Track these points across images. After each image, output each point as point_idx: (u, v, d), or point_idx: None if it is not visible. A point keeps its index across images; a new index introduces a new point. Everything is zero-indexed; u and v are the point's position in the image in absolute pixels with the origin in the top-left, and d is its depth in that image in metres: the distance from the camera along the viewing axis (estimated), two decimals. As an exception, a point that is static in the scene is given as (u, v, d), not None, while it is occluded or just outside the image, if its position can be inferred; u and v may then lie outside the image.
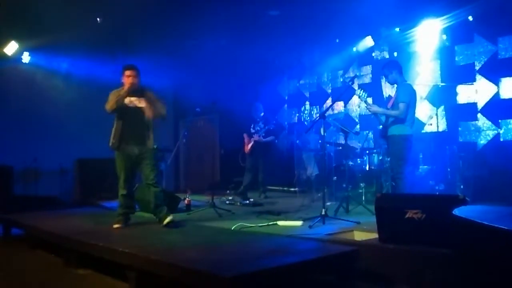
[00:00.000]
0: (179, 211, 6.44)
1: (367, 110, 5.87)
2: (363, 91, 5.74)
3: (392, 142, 5.53)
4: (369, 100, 6.21)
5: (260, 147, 8.13)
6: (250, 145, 8.11)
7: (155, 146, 5.26)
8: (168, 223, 5.04)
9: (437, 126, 7.42)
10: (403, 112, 5.39)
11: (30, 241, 5.68)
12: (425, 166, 7.63)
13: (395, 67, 5.70)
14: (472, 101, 7.50)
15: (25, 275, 4.45)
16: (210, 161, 10.20)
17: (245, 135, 8.30)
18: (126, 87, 5.19)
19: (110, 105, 5.15)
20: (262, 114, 8.25)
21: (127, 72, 5.25)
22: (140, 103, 5.21)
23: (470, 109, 7.50)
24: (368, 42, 8.79)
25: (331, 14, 8.25)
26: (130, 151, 5.16)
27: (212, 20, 8.46)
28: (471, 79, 7.47)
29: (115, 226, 5.15)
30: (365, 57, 9.11)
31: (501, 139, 7.19)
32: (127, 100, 5.18)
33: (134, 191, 5.57)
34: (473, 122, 7.48)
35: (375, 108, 5.70)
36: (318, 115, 9.08)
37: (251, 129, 8.22)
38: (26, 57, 9.32)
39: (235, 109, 9.18)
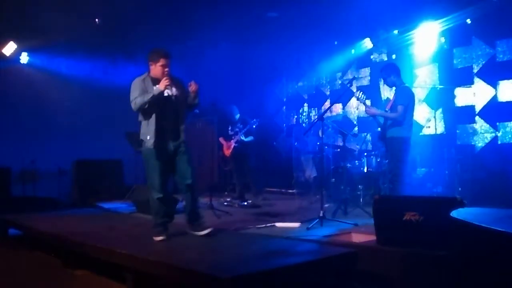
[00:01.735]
0: (177, 212, 6.42)
1: (366, 112, 5.89)
2: (362, 93, 5.76)
3: (390, 144, 5.55)
4: (368, 102, 6.22)
5: (243, 148, 7.85)
6: (231, 148, 7.85)
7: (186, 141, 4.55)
8: (208, 233, 4.46)
9: (435, 129, 7.43)
10: (401, 114, 5.41)
11: (28, 242, 5.68)
12: (423, 169, 7.66)
13: (394, 70, 5.72)
14: (470, 104, 7.51)
15: (23, 276, 4.44)
16: (209, 163, 10.19)
17: (221, 139, 8.05)
18: (162, 84, 4.33)
19: (138, 104, 4.37)
20: (238, 116, 7.96)
21: (163, 61, 4.38)
22: (172, 90, 4.45)
23: (468, 112, 7.51)
24: (366, 44, 8.81)
25: (329, 16, 8.27)
26: (166, 148, 4.47)
27: (211, 22, 8.47)
28: (469, 82, 7.49)
29: (158, 238, 4.37)
30: (364, 59, 9.13)
31: (499, 142, 7.20)
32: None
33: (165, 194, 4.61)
34: (471, 125, 7.50)
35: (374, 110, 5.73)
36: (316, 117, 9.10)
37: (229, 131, 7.96)
38: (24, 58, 9.31)
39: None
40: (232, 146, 7.80)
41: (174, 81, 4.50)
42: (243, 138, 7.74)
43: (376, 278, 3.75)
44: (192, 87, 4.52)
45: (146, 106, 4.37)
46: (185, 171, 4.49)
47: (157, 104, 4.39)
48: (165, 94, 4.42)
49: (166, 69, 4.40)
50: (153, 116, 4.41)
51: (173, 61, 4.59)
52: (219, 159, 8.44)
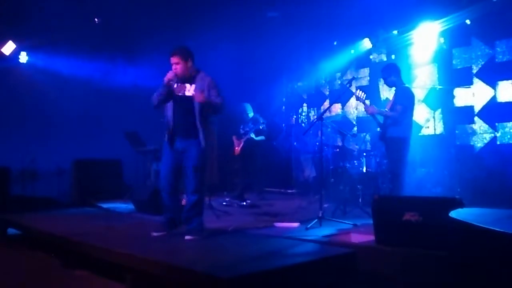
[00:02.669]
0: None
1: (365, 111, 5.88)
2: (363, 93, 5.76)
3: (390, 144, 5.55)
4: (367, 102, 6.22)
5: (250, 147, 7.83)
6: (240, 146, 7.86)
7: (205, 141, 4.51)
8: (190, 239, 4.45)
9: (434, 129, 7.44)
10: (400, 113, 5.42)
11: (28, 242, 5.67)
12: (423, 169, 7.67)
13: (394, 70, 5.73)
14: (469, 104, 7.52)
15: (22, 276, 4.44)
16: (208, 163, 10.20)
17: (234, 137, 8.03)
18: (165, 80, 4.48)
19: (152, 99, 4.60)
20: (251, 114, 7.97)
21: (171, 60, 4.54)
22: (190, 91, 4.52)
23: (467, 112, 7.52)
24: (366, 44, 8.81)
25: (329, 16, 8.27)
26: (175, 146, 4.56)
27: (212, 23, 8.47)
28: (468, 82, 7.50)
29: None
30: (363, 60, 9.13)
31: (498, 142, 7.21)
32: (176, 88, 4.54)
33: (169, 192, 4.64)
34: (470, 125, 7.51)
35: (372, 109, 5.72)
36: (315, 117, 9.10)
37: (240, 130, 7.94)
38: (23, 57, 9.30)
39: (233, 111, 9.17)
40: (241, 145, 7.80)
41: (194, 79, 4.58)
42: (253, 136, 7.72)
43: (375, 278, 3.76)
44: (196, 98, 4.50)
45: (156, 102, 4.58)
46: (187, 176, 4.52)
47: (172, 101, 4.56)
48: (177, 92, 4.54)
49: (173, 66, 4.52)
50: (168, 112, 4.59)
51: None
52: (229, 157, 8.39)
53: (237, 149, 7.86)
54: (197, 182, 4.49)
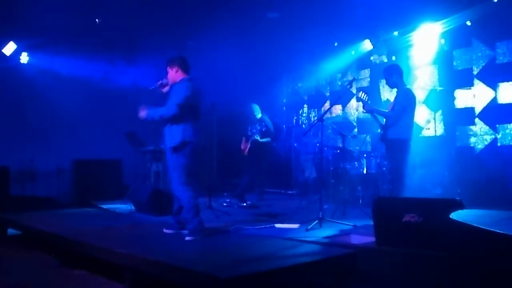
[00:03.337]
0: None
1: (363, 108, 5.85)
2: (365, 94, 5.73)
3: (390, 145, 5.54)
4: (365, 98, 6.17)
5: (256, 148, 7.80)
6: (247, 147, 7.91)
7: (174, 144, 4.54)
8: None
9: (435, 130, 7.43)
10: (397, 113, 5.41)
11: (27, 242, 5.67)
12: (423, 170, 7.65)
13: (396, 71, 5.71)
14: (469, 106, 7.52)
15: (21, 275, 4.43)
16: (208, 163, 10.20)
17: (243, 139, 8.03)
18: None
19: None
20: (259, 115, 7.92)
21: None
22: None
23: (467, 114, 7.52)
24: (366, 45, 8.80)
25: (330, 17, 8.26)
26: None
27: (211, 23, 8.46)
28: (469, 84, 7.50)
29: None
30: (364, 61, 9.13)
31: (498, 144, 7.21)
32: None
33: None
34: (471, 127, 7.50)
35: (368, 107, 5.69)
36: (316, 118, 9.09)
37: (248, 131, 7.93)
38: (24, 57, 9.29)
39: (233, 112, 9.17)
40: (248, 146, 7.79)
41: (171, 88, 4.81)
42: (257, 138, 7.70)
43: (375, 279, 3.75)
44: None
45: None
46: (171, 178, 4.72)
47: None
48: None
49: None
50: None
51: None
52: (239, 157, 8.40)
53: (245, 150, 7.85)
54: (175, 184, 4.61)
